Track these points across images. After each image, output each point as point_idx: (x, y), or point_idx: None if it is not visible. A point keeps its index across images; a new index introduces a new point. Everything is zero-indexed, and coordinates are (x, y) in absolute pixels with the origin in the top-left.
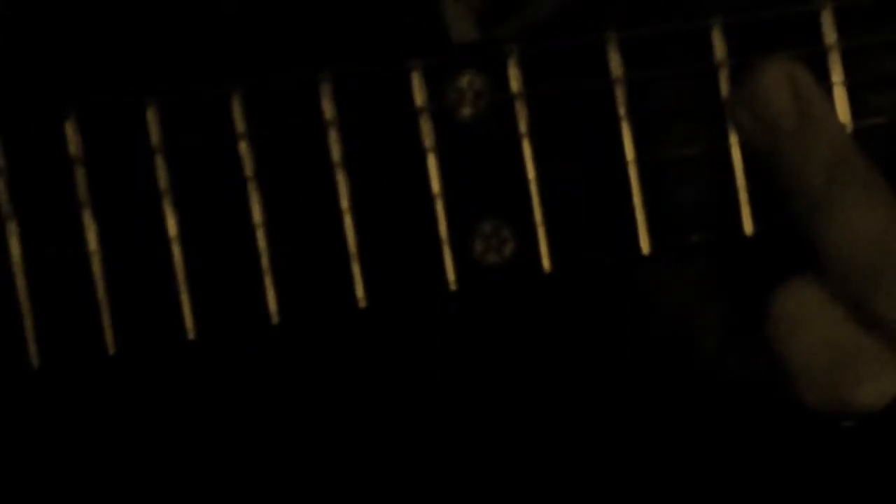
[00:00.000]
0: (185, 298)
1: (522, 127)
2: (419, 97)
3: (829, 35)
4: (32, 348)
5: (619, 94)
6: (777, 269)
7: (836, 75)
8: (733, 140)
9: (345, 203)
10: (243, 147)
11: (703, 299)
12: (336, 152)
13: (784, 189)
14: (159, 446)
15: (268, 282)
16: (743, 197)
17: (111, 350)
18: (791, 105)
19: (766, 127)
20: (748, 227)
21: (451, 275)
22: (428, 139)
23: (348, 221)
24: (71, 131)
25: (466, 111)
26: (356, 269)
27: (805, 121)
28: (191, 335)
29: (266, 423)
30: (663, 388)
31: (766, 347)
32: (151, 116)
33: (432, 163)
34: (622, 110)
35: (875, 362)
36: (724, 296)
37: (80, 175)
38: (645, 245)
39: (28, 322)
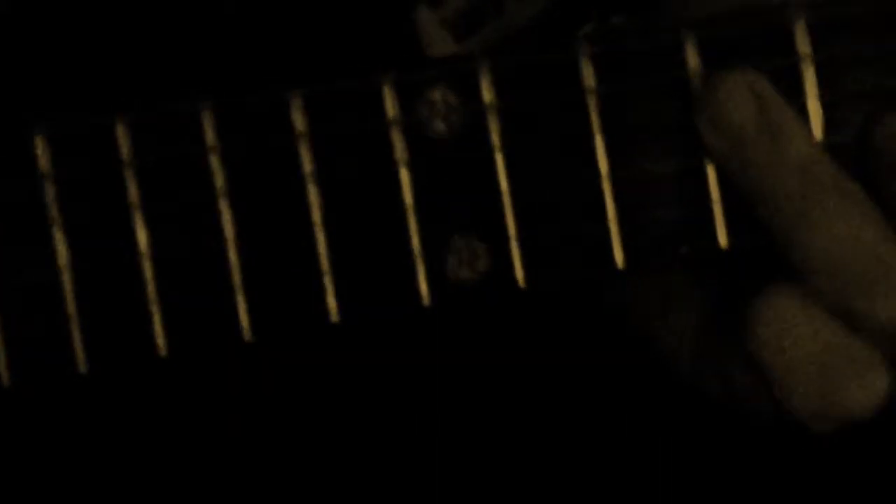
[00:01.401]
0: (155, 315)
1: (495, 140)
2: (391, 111)
3: (803, 47)
4: (2, 364)
5: (593, 107)
6: (751, 272)
7: (810, 88)
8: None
9: (317, 217)
10: (214, 161)
11: (675, 306)
12: (308, 166)
13: (758, 201)
14: (132, 468)
15: (239, 297)
16: (717, 210)
17: (82, 368)
18: (755, 116)
19: (731, 140)
20: (723, 240)
21: (423, 290)
22: (400, 153)
23: (320, 236)
24: (41, 147)
25: (439, 125)
26: (328, 283)
27: (771, 131)
28: (162, 352)
29: (248, 437)
30: (644, 392)
31: (747, 358)
32: (121, 132)
33: (405, 177)
34: (596, 123)
35: (863, 364)
36: (697, 302)
37: (50, 191)
38: (619, 259)
39: None
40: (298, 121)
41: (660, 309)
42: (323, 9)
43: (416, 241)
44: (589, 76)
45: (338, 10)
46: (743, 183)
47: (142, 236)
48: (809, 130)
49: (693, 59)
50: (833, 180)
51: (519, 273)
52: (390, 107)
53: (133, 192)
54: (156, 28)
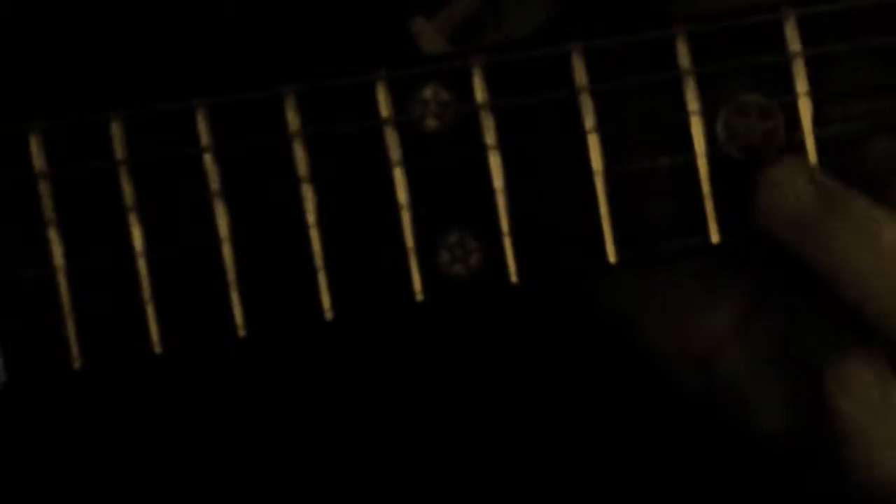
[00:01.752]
0: (150, 312)
1: (488, 138)
2: (384, 109)
3: (794, 44)
4: None
5: (585, 104)
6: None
7: (801, 84)
8: (699, 149)
9: (311, 215)
10: (208, 160)
11: (702, 305)
12: (301, 165)
13: (830, 278)
14: (126, 467)
15: (234, 295)
16: (709, 205)
17: (77, 364)
18: (815, 193)
19: (797, 220)
20: (715, 235)
21: (417, 286)
22: (394, 151)
23: (314, 233)
24: (35, 146)
25: (432, 122)
26: (322, 280)
27: (837, 208)
28: (157, 349)
29: (243, 436)
30: (636, 393)
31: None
32: (116, 131)
33: (398, 174)
34: (588, 121)
35: None
36: (727, 304)
37: (45, 190)
38: (612, 255)
39: None
40: (292, 119)
41: (665, 316)
42: (317, 8)
43: (409, 238)
44: (581, 73)
45: (332, 8)
46: (814, 261)
47: (136, 235)
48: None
49: (684, 56)
50: None
51: (512, 269)
52: (383, 104)
53: (128, 190)
54: (150, 26)
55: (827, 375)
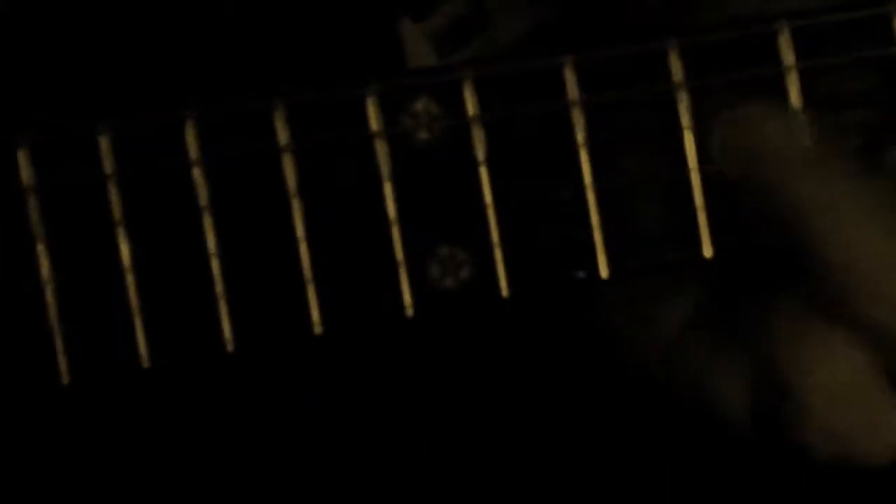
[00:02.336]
0: (138, 326)
1: (479, 151)
2: (375, 122)
3: (787, 56)
4: None
5: (577, 117)
6: (736, 281)
7: (794, 96)
8: (692, 162)
9: (300, 229)
10: (197, 174)
11: (651, 315)
12: (291, 178)
13: (789, 221)
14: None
15: (222, 309)
16: (702, 219)
17: (65, 379)
18: (782, 133)
19: (763, 158)
20: (707, 249)
21: (407, 300)
22: (384, 164)
23: (304, 247)
24: (23, 160)
25: (422, 136)
26: (312, 295)
27: (810, 151)
28: (145, 363)
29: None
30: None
31: (771, 385)
32: (104, 144)
33: (388, 187)
34: (579, 134)
35: (889, 423)
36: (690, 295)
37: (33, 204)
38: (604, 269)
39: None
40: (282, 132)
41: (634, 308)
42: (306, 20)
43: (399, 252)
44: (573, 86)
45: (321, 20)
46: (776, 201)
47: (124, 249)
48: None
49: (677, 69)
50: (876, 197)
51: (503, 282)
52: (374, 118)
53: (116, 204)
54: (137, 37)
55: (785, 353)
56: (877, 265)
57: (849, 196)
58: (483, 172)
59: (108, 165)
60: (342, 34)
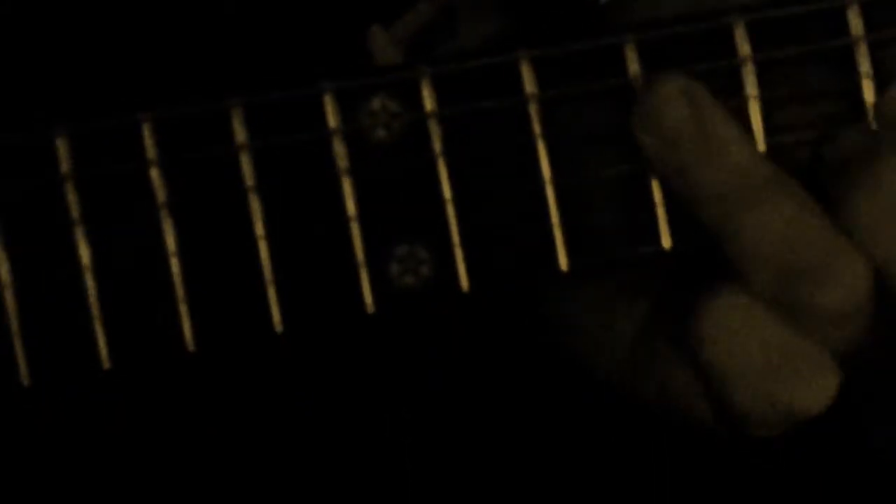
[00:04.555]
0: (98, 328)
1: (437, 147)
2: (332, 120)
3: (743, 48)
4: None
5: (534, 112)
6: (691, 276)
7: (751, 89)
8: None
9: (259, 228)
10: (155, 174)
11: (619, 304)
12: (249, 177)
13: (693, 202)
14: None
15: (183, 309)
16: (661, 212)
17: (26, 382)
18: (688, 119)
19: (665, 142)
20: (666, 241)
21: (368, 297)
22: (342, 161)
23: (263, 246)
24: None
25: (381, 133)
26: (272, 293)
27: (705, 133)
28: (105, 364)
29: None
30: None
31: (689, 360)
32: (60, 145)
33: (347, 185)
34: (537, 129)
35: (809, 362)
36: (632, 310)
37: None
38: (563, 262)
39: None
40: (239, 132)
41: (591, 318)
42: (263, 20)
43: (359, 250)
44: (530, 82)
45: (278, 20)
46: (678, 184)
47: (84, 250)
48: (743, 132)
49: (634, 64)
50: (767, 176)
51: (463, 279)
52: (331, 116)
53: (74, 206)
54: (91, 41)
55: (696, 325)
56: (776, 243)
57: (741, 178)
58: (442, 169)
59: (64, 166)
60: (300, 31)
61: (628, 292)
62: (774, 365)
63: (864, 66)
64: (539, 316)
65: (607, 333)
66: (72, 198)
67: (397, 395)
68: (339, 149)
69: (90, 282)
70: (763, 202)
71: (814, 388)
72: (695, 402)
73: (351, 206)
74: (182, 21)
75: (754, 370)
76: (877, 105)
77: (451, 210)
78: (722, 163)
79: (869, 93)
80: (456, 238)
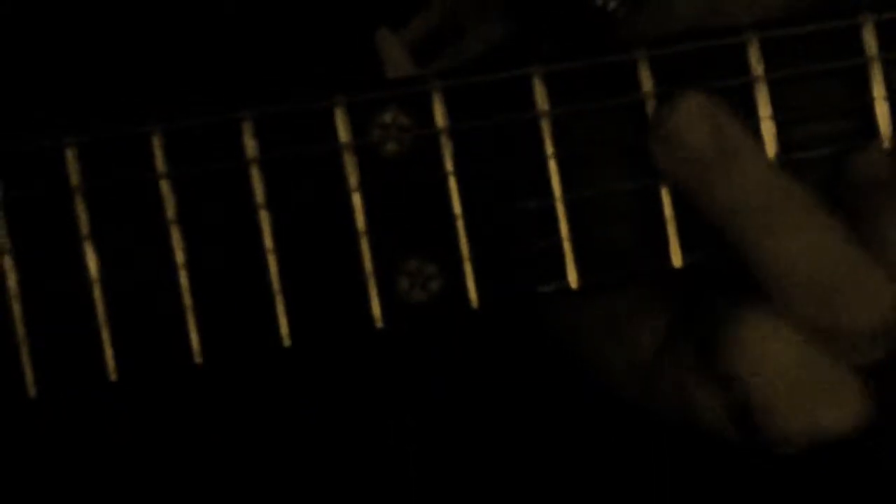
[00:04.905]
0: (105, 339)
1: (448, 163)
2: (343, 134)
3: (756, 67)
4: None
5: (546, 128)
6: (708, 290)
7: (763, 108)
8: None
9: (268, 242)
10: (165, 187)
11: (626, 327)
12: (259, 190)
13: (719, 221)
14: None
15: (191, 321)
16: (671, 229)
17: (32, 392)
18: (710, 138)
19: (688, 162)
20: (677, 259)
21: (376, 312)
22: (352, 176)
23: (272, 259)
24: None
25: (391, 147)
26: (280, 307)
27: (728, 151)
28: (112, 376)
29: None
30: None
31: (718, 379)
32: (71, 157)
33: (357, 199)
34: (549, 145)
35: (839, 388)
36: (650, 321)
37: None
38: (573, 280)
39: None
40: (249, 145)
41: (608, 330)
42: (275, 31)
43: (368, 264)
44: (542, 98)
45: (290, 32)
46: (703, 204)
47: (92, 261)
48: (764, 149)
49: (647, 80)
50: (791, 194)
51: (472, 294)
52: (342, 129)
53: (83, 218)
54: (100, 51)
55: (728, 344)
56: (803, 265)
57: (766, 197)
58: (452, 183)
59: (74, 178)
60: (312, 44)
61: (642, 306)
62: (803, 386)
63: (878, 84)
64: (547, 326)
65: (620, 348)
66: (81, 208)
67: (401, 402)
68: (350, 162)
69: (98, 293)
70: (790, 222)
71: (840, 409)
72: (718, 419)
73: (360, 220)
74: (191, 28)
75: (789, 393)
76: None
77: (460, 225)
78: (746, 179)
79: (882, 111)
80: (465, 253)
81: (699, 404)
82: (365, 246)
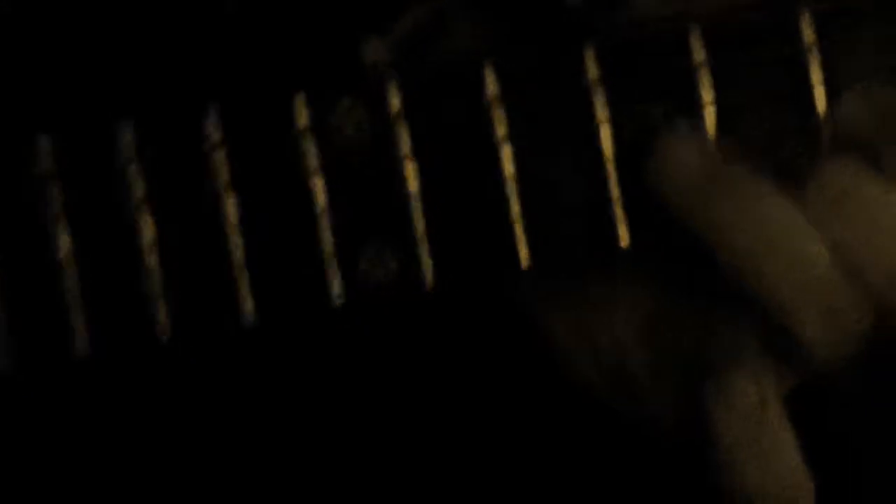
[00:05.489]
0: (76, 318)
1: (404, 147)
2: (303, 120)
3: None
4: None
5: (497, 114)
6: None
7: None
8: (607, 154)
9: (232, 224)
10: (133, 171)
11: (597, 316)
12: (223, 174)
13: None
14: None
15: (158, 301)
16: (618, 210)
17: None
18: (701, 172)
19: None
20: (624, 239)
21: (336, 291)
22: (312, 160)
23: (236, 241)
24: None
25: (349, 133)
26: (244, 287)
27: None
28: (81, 354)
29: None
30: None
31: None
32: (44, 144)
33: (317, 183)
34: (500, 130)
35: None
36: (624, 313)
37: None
38: (524, 259)
39: None
40: (213, 130)
41: (571, 330)
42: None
43: (328, 245)
44: (493, 85)
45: (253, 25)
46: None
47: (63, 242)
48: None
49: (593, 68)
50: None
51: (428, 275)
52: (302, 116)
53: (56, 201)
54: (71, 44)
55: (710, 384)
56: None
57: (759, 217)
58: (408, 167)
59: (46, 164)
60: (274, 38)
61: (606, 303)
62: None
63: (816, 73)
64: (521, 325)
65: (586, 344)
66: (54, 192)
67: (388, 397)
68: (310, 148)
69: (69, 273)
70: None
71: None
72: (649, 407)
73: (321, 203)
74: (160, 25)
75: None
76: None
77: (417, 207)
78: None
79: (820, 100)
80: (421, 235)
81: (653, 399)
82: (325, 227)
